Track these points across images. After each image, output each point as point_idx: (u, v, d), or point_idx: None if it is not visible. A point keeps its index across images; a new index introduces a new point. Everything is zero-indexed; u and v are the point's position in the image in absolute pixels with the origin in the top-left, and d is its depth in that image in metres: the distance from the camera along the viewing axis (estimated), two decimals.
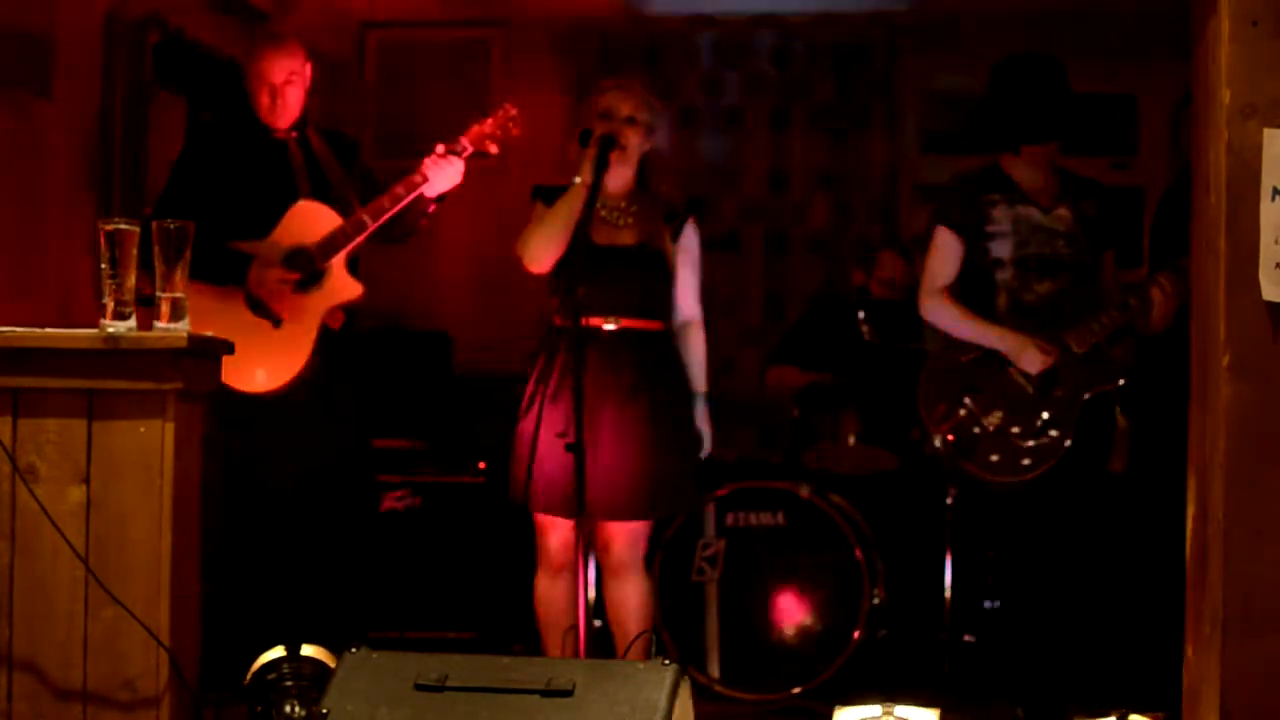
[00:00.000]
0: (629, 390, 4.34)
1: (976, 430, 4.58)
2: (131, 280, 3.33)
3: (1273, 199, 3.03)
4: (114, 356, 3.27)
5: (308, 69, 4.74)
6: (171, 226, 3.33)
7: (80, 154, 5.02)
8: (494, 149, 4.66)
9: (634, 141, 4.42)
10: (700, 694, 3.79)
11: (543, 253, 4.38)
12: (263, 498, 4.65)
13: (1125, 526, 5.12)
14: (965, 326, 4.61)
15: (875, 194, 6.79)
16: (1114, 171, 5.69)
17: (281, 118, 4.69)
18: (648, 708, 2.94)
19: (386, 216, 4.59)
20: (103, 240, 3.30)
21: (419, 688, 3.02)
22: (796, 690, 5.16)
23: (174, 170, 4.78)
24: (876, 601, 5.22)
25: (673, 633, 5.24)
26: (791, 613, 5.28)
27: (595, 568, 4.59)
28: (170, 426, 3.29)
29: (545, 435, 4.25)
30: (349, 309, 4.66)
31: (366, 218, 4.58)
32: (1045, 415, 4.51)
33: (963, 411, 4.60)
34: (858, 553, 5.19)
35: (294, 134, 4.73)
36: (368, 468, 5.44)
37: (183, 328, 3.32)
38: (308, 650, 3.57)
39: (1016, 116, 4.56)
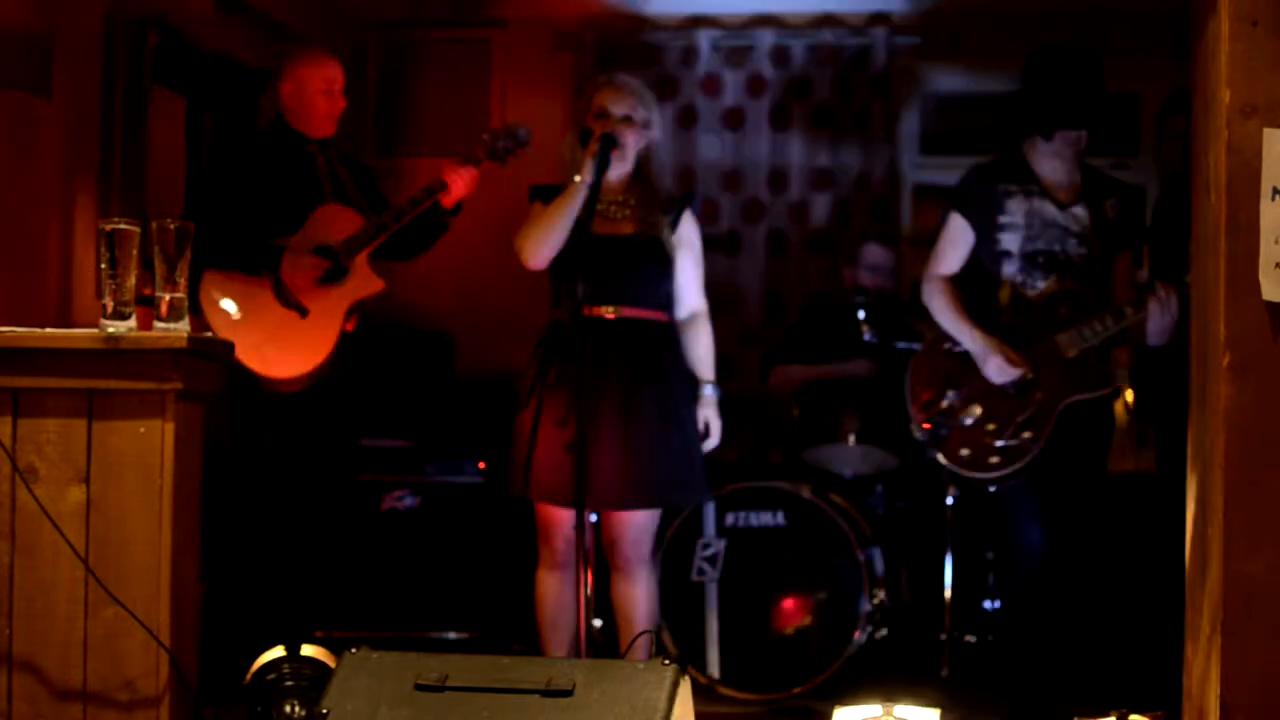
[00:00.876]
0: (631, 379, 4.34)
1: (953, 423, 4.60)
2: (131, 280, 3.33)
3: (1273, 199, 3.03)
4: (114, 356, 3.27)
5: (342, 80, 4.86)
6: (171, 226, 3.33)
7: (80, 154, 5.02)
8: (505, 159, 4.77)
9: (632, 139, 4.43)
10: (700, 694, 3.79)
11: (542, 249, 4.40)
12: (268, 493, 4.70)
13: (1127, 527, 5.13)
14: (948, 319, 4.63)
15: (875, 194, 6.79)
16: (1114, 171, 5.67)
17: (322, 126, 4.81)
18: (648, 708, 2.94)
19: (407, 219, 4.70)
20: (103, 240, 3.31)
21: (419, 688, 3.02)
22: (796, 690, 5.16)
23: (207, 172, 4.90)
24: (876, 601, 5.22)
25: (673, 633, 5.25)
26: (791, 613, 5.28)
27: (597, 566, 4.59)
28: (170, 426, 3.29)
29: (545, 424, 4.26)
30: (364, 310, 4.72)
31: (388, 219, 4.71)
32: (1021, 418, 4.51)
33: (945, 403, 4.62)
34: (858, 553, 5.19)
35: (319, 148, 4.83)
36: (356, 467, 5.51)
37: (183, 328, 3.32)
38: (308, 650, 3.57)
39: (1053, 100, 4.53)
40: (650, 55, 6.84)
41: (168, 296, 3.33)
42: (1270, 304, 3.04)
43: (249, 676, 3.56)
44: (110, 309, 3.30)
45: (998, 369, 4.51)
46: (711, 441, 4.53)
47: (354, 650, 3.14)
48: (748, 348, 6.62)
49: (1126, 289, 4.60)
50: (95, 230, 3.37)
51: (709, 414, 4.51)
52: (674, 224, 4.51)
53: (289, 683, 3.52)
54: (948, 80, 7.01)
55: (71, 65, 4.96)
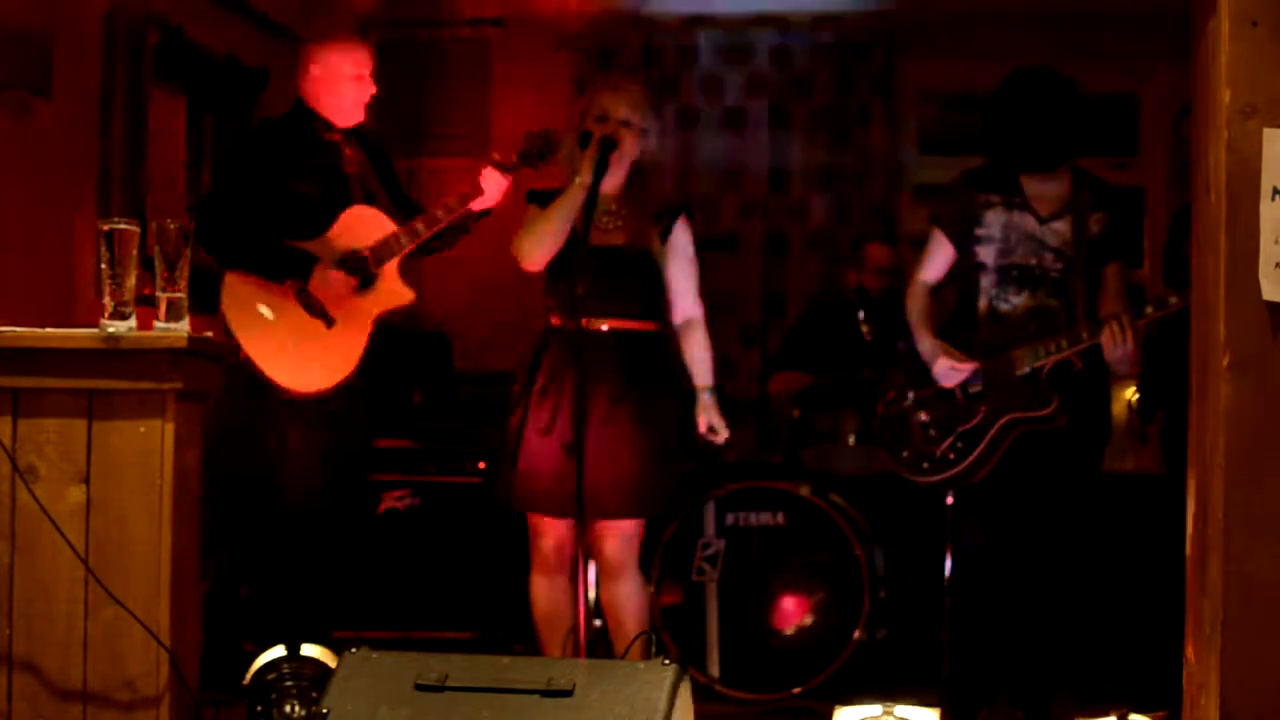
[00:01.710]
0: (617, 391, 4.34)
1: (903, 422, 4.62)
2: (131, 280, 3.33)
3: (1273, 199, 3.03)
4: (114, 356, 3.27)
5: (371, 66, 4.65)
6: (172, 226, 3.33)
7: (80, 154, 5.02)
8: (538, 165, 4.60)
9: (630, 145, 4.42)
10: (700, 694, 3.78)
11: (539, 251, 4.39)
12: (286, 497, 4.60)
13: (1127, 527, 5.13)
14: (911, 321, 4.66)
15: (875, 194, 6.79)
16: (1114, 171, 5.68)
17: (350, 113, 4.62)
18: (648, 708, 2.94)
19: (440, 226, 4.57)
20: (103, 240, 3.31)
21: (419, 688, 3.02)
22: (796, 690, 5.16)
23: (224, 167, 4.73)
24: (876, 601, 5.22)
25: (673, 633, 5.25)
26: (791, 612, 5.28)
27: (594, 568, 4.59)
28: (170, 426, 3.29)
29: (529, 432, 4.26)
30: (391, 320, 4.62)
31: (421, 225, 4.55)
32: (962, 428, 4.52)
33: (905, 403, 4.64)
34: (858, 553, 5.19)
35: (344, 137, 4.63)
36: (367, 469, 5.45)
37: (183, 328, 3.32)
38: (308, 650, 3.57)
39: (1019, 147, 4.47)
40: (650, 55, 6.84)
41: (167, 296, 3.33)
42: (1270, 304, 3.04)
43: (249, 676, 3.56)
44: (110, 309, 3.30)
45: (944, 371, 4.53)
46: (720, 438, 4.53)
47: (354, 650, 3.13)
48: (748, 348, 6.62)
49: (1115, 300, 4.51)
50: (95, 230, 3.36)
51: (711, 416, 4.51)
52: (666, 233, 4.49)
53: (289, 683, 3.52)
54: (948, 80, 7.01)
55: (71, 65, 4.97)
